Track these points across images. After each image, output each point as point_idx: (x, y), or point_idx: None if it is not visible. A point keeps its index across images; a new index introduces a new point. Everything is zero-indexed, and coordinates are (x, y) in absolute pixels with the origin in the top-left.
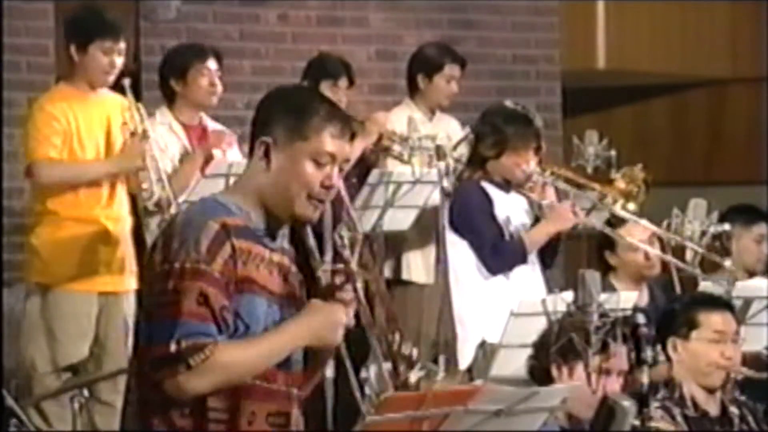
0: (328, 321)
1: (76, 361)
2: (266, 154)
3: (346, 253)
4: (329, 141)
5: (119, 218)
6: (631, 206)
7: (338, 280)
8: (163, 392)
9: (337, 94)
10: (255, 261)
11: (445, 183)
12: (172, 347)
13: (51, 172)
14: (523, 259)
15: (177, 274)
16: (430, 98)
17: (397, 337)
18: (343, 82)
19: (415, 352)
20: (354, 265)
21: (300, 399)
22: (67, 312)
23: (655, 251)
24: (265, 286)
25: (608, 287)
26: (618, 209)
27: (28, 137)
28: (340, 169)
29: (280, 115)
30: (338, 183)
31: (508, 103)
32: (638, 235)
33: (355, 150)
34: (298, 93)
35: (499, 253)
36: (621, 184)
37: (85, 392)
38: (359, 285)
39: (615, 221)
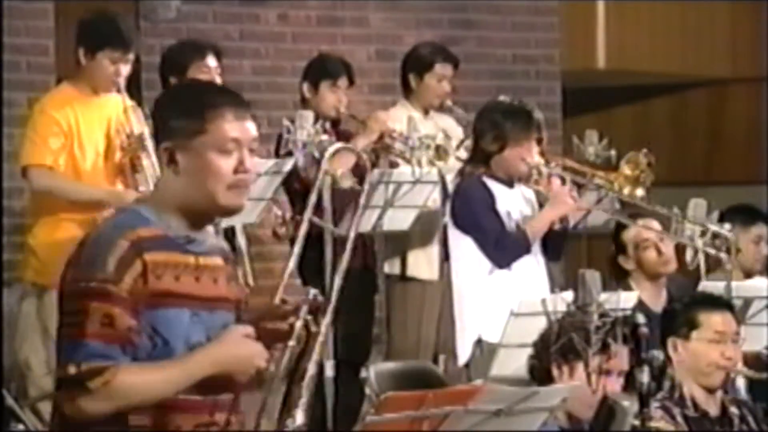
0: (245, 358)
1: None
2: (172, 160)
3: (303, 312)
4: (228, 127)
5: None
6: (639, 192)
7: (281, 326)
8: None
9: (337, 94)
10: (175, 271)
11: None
12: (72, 370)
13: (43, 182)
14: (527, 250)
15: (83, 294)
16: (423, 97)
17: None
18: (342, 81)
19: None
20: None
21: (239, 404)
22: None
23: (662, 244)
24: (189, 295)
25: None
26: (625, 195)
27: (26, 139)
28: (251, 150)
29: (174, 118)
30: (252, 165)
31: (503, 98)
32: (646, 234)
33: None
34: (184, 90)
35: (502, 246)
36: (626, 170)
37: None
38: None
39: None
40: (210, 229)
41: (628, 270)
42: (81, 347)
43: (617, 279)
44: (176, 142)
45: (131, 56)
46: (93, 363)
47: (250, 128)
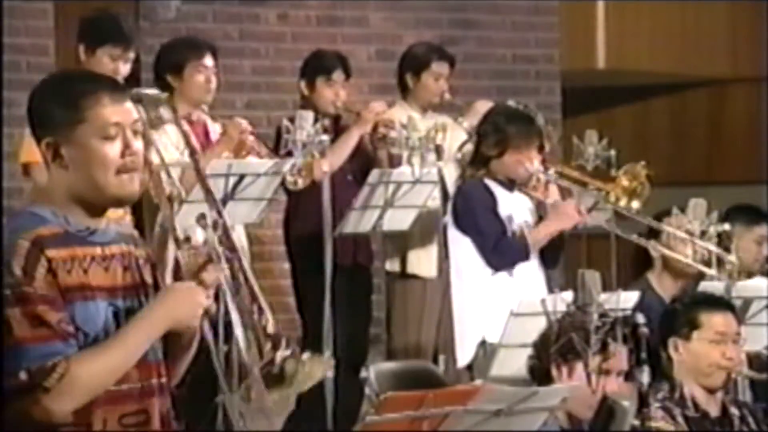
0: (185, 302)
1: None
2: (56, 154)
3: (209, 232)
4: (107, 112)
5: (122, 216)
6: (635, 204)
7: (200, 260)
8: (12, 421)
9: (334, 88)
10: (82, 264)
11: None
12: (23, 376)
13: (45, 178)
14: (525, 257)
15: (1, 304)
16: (420, 96)
17: (262, 316)
18: (338, 75)
19: (273, 329)
20: (216, 245)
21: (165, 388)
22: None
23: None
24: (101, 286)
25: (645, 285)
26: (620, 207)
27: (26, 137)
28: (136, 132)
29: (50, 110)
30: (138, 146)
31: (511, 102)
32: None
33: (350, 140)
34: (56, 82)
35: (501, 249)
36: (624, 181)
37: None
38: (224, 266)
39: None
40: (110, 216)
41: (652, 258)
42: (22, 353)
43: (637, 267)
44: (57, 136)
45: (131, 55)
46: (41, 363)
47: (130, 110)
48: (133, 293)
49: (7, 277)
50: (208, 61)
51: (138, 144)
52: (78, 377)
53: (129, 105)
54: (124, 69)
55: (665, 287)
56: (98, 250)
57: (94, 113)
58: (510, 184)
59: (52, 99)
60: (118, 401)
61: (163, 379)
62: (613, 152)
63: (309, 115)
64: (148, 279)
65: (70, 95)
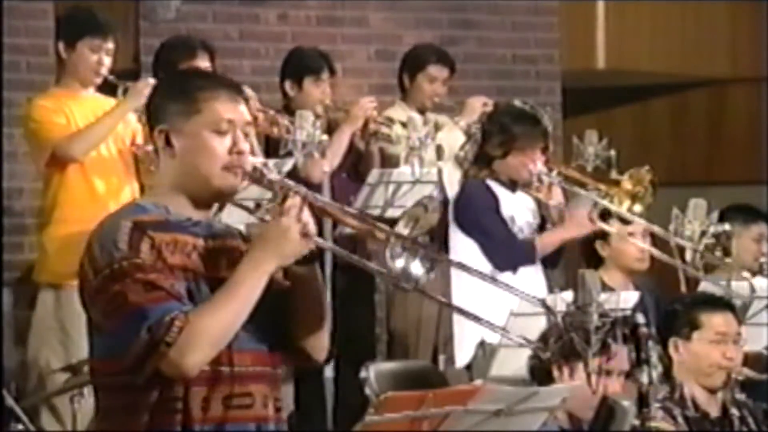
0: (280, 236)
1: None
2: (168, 142)
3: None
4: (222, 108)
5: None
6: (638, 208)
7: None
8: (123, 396)
9: (321, 87)
10: (185, 250)
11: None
12: (143, 335)
13: (79, 145)
14: (531, 261)
15: (112, 278)
16: (415, 98)
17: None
18: (325, 74)
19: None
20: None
21: (271, 378)
22: (80, 309)
23: (648, 247)
24: (205, 275)
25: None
26: (623, 209)
27: (35, 133)
28: (245, 134)
29: (169, 101)
30: (246, 147)
31: (517, 102)
32: (632, 228)
33: (342, 138)
34: (179, 76)
35: (507, 250)
36: (627, 185)
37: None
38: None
39: (607, 214)
40: (223, 212)
41: (602, 257)
42: (141, 315)
43: (588, 265)
44: (171, 125)
45: (110, 45)
46: (157, 320)
47: (244, 111)
48: None
49: (111, 254)
50: (201, 61)
51: (246, 145)
52: (198, 328)
53: (243, 108)
54: (107, 61)
55: (616, 283)
56: (201, 241)
57: (210, 106)
58: (512, 185)
59: (172, 90)
60: (221, 382)
61: (267, 369)
62: (613, 152)
63: (309, 115)
64: None
65: (189, 87)
